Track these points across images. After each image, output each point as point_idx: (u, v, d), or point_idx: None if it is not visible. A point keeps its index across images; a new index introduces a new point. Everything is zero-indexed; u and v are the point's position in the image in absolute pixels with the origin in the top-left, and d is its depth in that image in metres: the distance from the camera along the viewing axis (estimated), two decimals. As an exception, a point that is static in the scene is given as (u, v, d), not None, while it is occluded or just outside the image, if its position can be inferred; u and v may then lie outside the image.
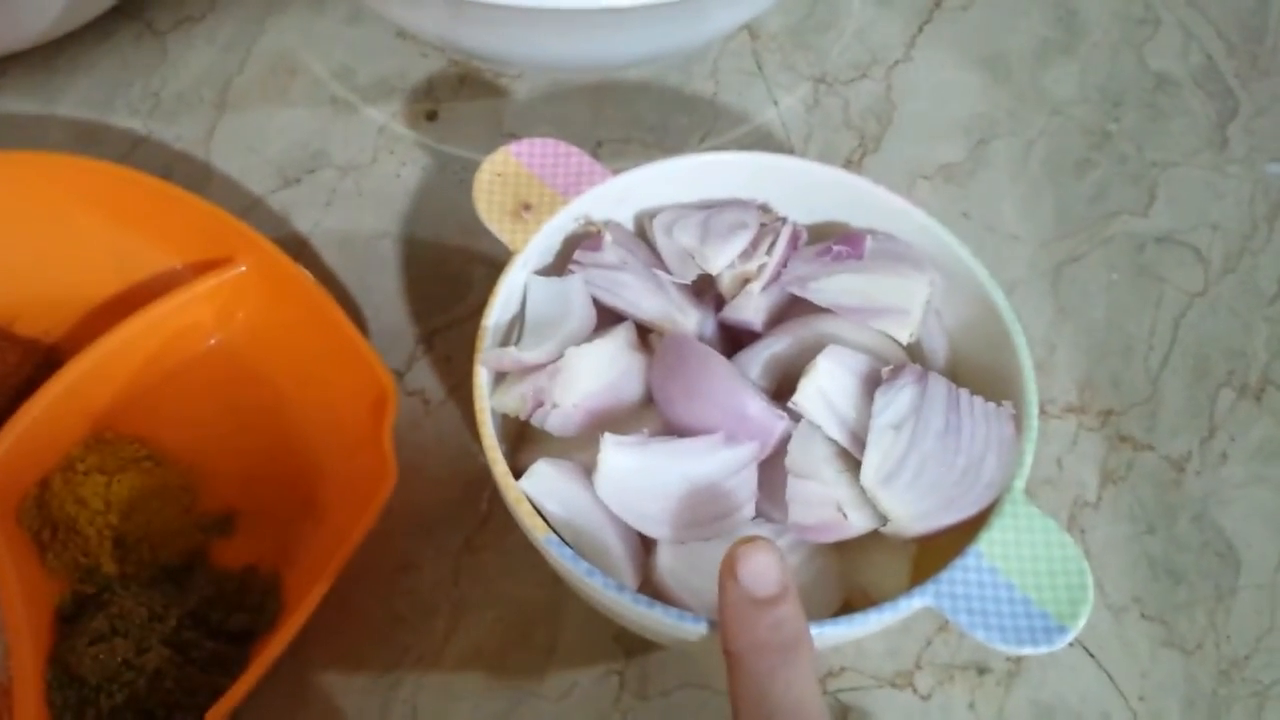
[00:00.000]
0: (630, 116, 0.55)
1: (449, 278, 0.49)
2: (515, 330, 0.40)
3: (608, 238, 0.41)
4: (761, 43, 0.58)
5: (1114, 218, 0.53)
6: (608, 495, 0.35)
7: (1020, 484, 0.35)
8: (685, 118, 0.55)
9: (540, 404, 0.37)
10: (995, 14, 0.60)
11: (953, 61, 0.58)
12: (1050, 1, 0.60)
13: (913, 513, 0.35)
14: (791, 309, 0.42)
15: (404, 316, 0.48)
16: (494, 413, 0.38)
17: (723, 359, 0.37)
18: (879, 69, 0.57)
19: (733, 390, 0.36)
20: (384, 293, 0.49)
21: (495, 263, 0.49)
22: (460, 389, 0.46)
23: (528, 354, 0.38)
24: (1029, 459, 0.36)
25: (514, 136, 0.54)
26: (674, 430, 0.37)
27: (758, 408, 0.36)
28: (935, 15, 0.59)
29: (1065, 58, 0.58)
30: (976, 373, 0.40)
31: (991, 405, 0.36)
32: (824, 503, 0.35)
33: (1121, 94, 0.57)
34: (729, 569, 0.31)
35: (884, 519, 0.35)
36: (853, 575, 0.37)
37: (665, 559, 0.35)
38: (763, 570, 0.31)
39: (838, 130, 0.55)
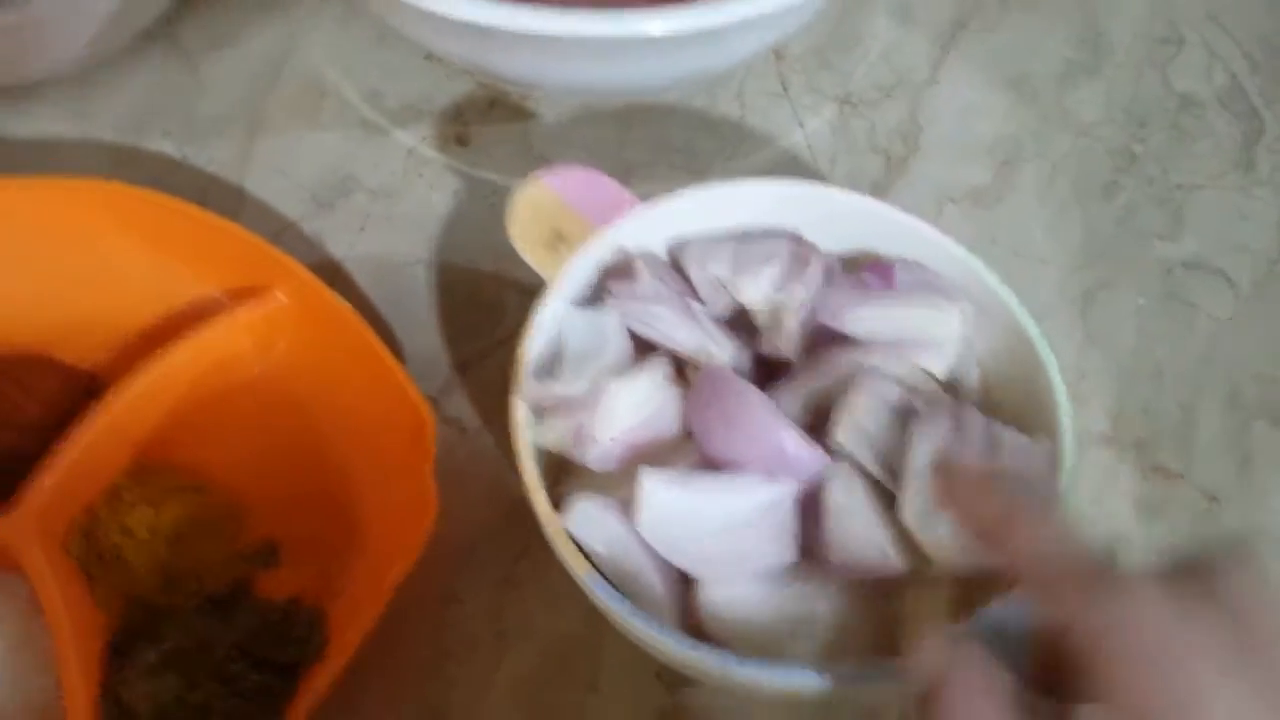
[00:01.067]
0: (658, 139, 0.55)
1: (483, 304, 0.50)
2: (551, 361, 0.40)
3: (641, 268, 0.42)
4: (787, 64, 0.58)
5: (1142, 241, 0.53)
6: (648, 529, 0.36)
7: (1059, 522, 0.35)
8: (712, 140, 0.55)
9: (580, 439, 0.38)
10: (1020, 35, 0.60)
11: (978, 82, 0.58)
12: (1075, 22, 0.61)
13: (952, 550, 0.35)
14: (824, 339, 0.42)
15: (438, 343, 0.49)
16: (534, 447, 0.38)
17: (759, 394, 0.38)
18: (904, 90, 0.58)
19: (770, 426, 0.37)
20: (418, 319, 0.49)
21: (528, 289, 0.49)
22: (496, 416, 0.47)
23: (565, 388, 0.38)
24: (1065, 496, 0.36)
25: (543, 159, 0.54)
26: (712, 465, 0.37)
27: (794, 444, 0.37)
28: (960, 36, 0.60)
29: (1090, 78, 0.58)
30: (1009, 400, 0.41)
31: (1027, 440, 0.37)
32: (866, 542, 0.36)
33: (1146, 115, 0.57)
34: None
35: (925, 558, 0.36)
36: (893, 614, 0.37)
37: (706, 598, 0.36)
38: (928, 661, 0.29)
39: (864, 153, 0.55)
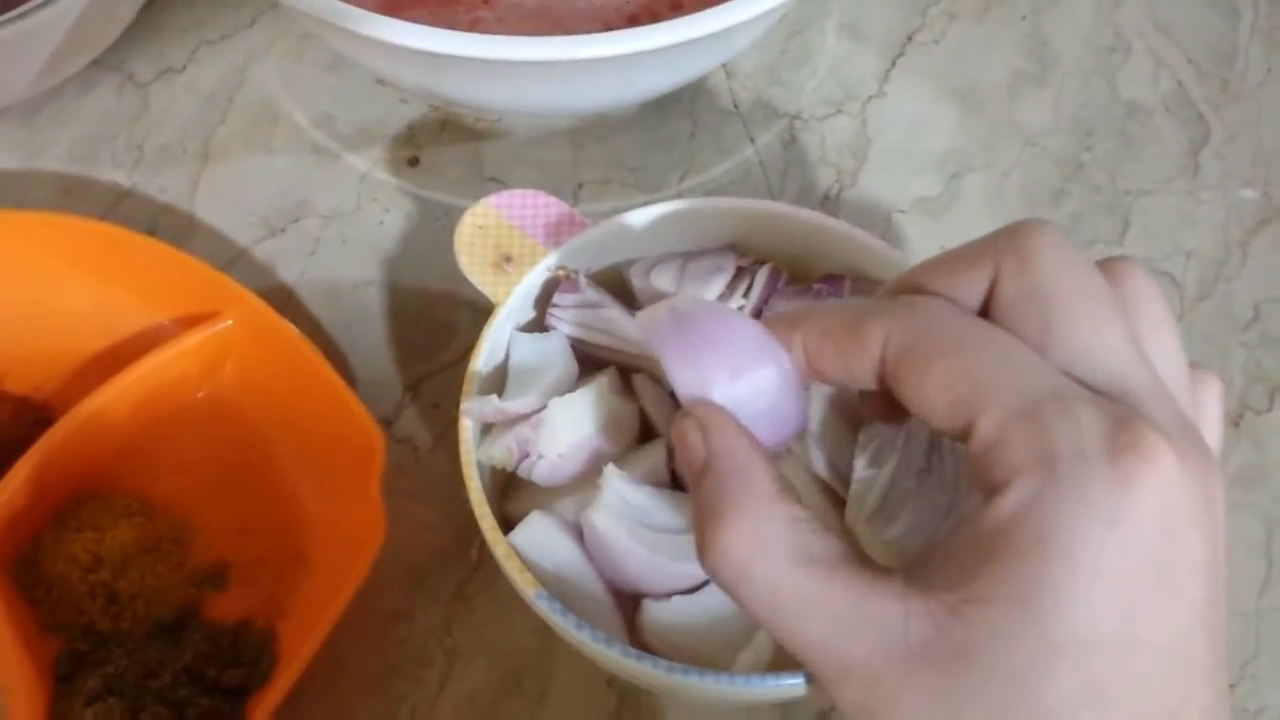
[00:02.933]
0: (610, 158, 0.55)
1: (434, 324, 0.50)
2: (499, 381, 0.40)
3: (583, 279, 0.42)
4: (737, 81, 0.58)
5: (1089, 247, 0.54)
6: (603, 526, 0.35)
7: (1001, 524, 0.36)
8: (664, 158, 0.56)
9: (526, 455, 0.38)
10: (967, 47, 0.60)
11: (926, 95, 0.59)
12: (1021, 33, 0.61)
13: (896, 552, 0.35)
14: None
15: (391, 364, 0.49)
16: (481, 464, 0.38)
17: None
18: (854, 104, 0.58)
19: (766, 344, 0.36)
20: (370, 341, 0.49)
21: (480, 308, 0.49)
22: (448, 436, 0.47)
23: (511, 405, 0.38)
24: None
25: (495, 180, 0.54)
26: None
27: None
28: (907, 49, 0.60)
29: (1037, 88, 0.59)
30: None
31: (971, 445, 0.37)
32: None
33: (1094, 123, 0.58)
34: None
35: (869, 557, 0.36)
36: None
37: (652, 612, 0.36)
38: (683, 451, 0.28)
39: (815, 166, 0.56)
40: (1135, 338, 0.27)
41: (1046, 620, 0.23)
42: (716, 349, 0.29)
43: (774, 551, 0.26)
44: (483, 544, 0.44)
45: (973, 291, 0.28)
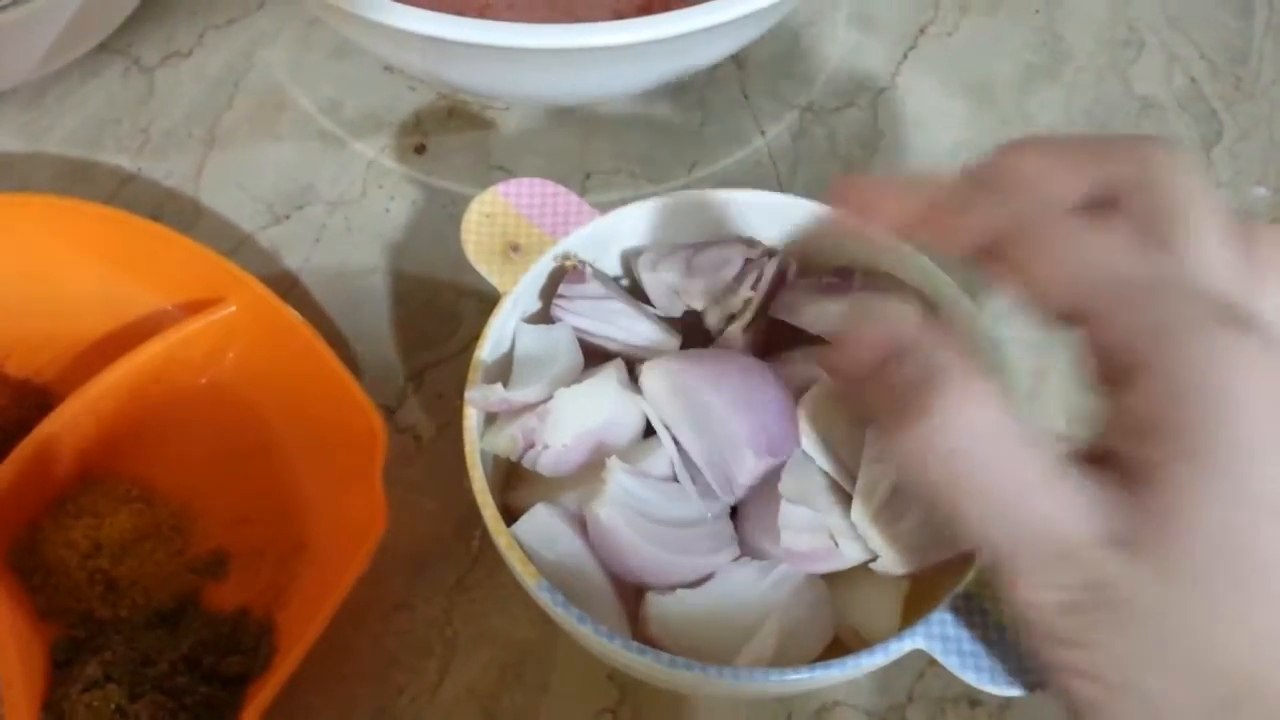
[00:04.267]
0: (618, 148, 0.55)
1: (439, 313, 0.49)
2: (504, 371, 0.40)
3: (589, 270, 0.41)
4: (747, 72, 0.58)
5: (1101, 244, 0.53)
6: (607, 518, 0.35)
7: (1009, 522, 0.35)
8: (673, 148, 0.55)
9: (531, 445, 0.37)
10: (980, 40, 0.60)
11: (938, 88, 0.58)
12: (1034, 26, 0.61)
13: (902, 549, 0.35)
14: (781, 341, 0.42)
15: (394, 353, 0.48)
16: (484, 453, 0.38)
17: (772, 371, 0.38)
18: (865, 97, 0.58)
19: (779, 400, 0.37)
20: (374, 329, 0.49)
21: (485, 297, 0.49)
22: (451, 426, 0.46)
23: (516, 394, 0.38)
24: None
25: (502, 169, 0.54)
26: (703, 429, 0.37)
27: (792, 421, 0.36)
28: (920, 42, 0.60)
29: (1050, 83, 0.59)
30: (965, 406, 0.40)
31: (980, 442, 0.37)
32: (816, 529, 0.35)
33: (1107, 119, 0.57)
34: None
35: (874, 554, 0.35)
36: (844, 612, 0.37)
37: (654, 606, 0.35)
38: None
39: (825, 159, 0.55)
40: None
41: (1244, 479, 0.24)
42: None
43: (1002, 429, 0.26)
44: (484, 535, 0.44)
45: (1075, 187, 0.28)
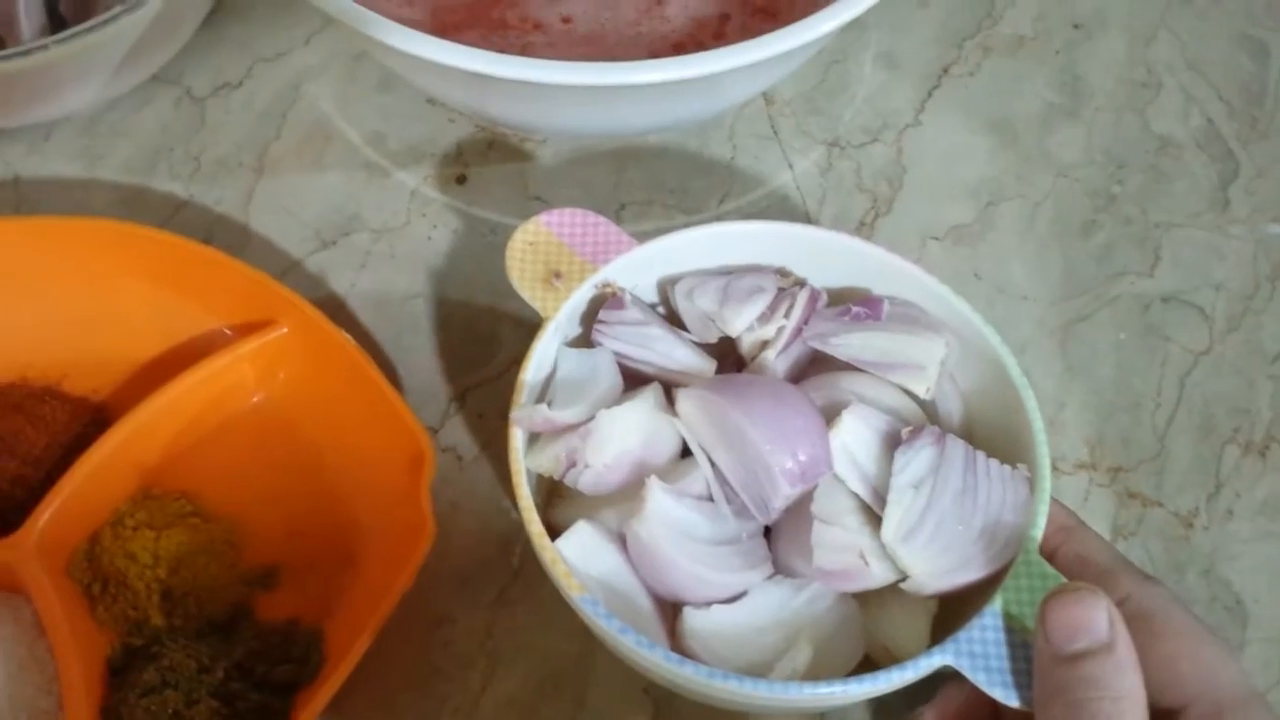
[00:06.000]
0: (651, 180, 0.57)
1: (480, 338, 0.51)
2: (546, 394, 0.42)
3: (628, 296, 0.43)
4: (776, 108, 0.60)
5: (1120, 278, 0.55)
6: (647, 535, 0.37)
7: (1034, 545, 0.37)
8: (704, 181, 0.57)
9: (573, 464, 0.39)
10: (1002, 80, 0.62)
11: (961, 126, 0.60)
12: (1055, 66, 0.63)
13: (931, 570, 0.36)
14: (811, 368, 0.44)
15: (437, 375, 0.50)
16: (527, 472, 0.39)
17: (809, 398, 0.40)
18: (890, 133, 0.59)
19: (817, 426, 0.38)
20: (418, 352, 0.51)
21: (524, 323, 0.51)
22: (492, 446, 0.48)
23: (560, 414, 0.39)
24: (1043, 521, 0.37)
25: (539, 199, 0.56)
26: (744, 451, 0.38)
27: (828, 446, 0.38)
28: (943, 81, 0.62)
29: (1070, 121, 0.60)
30: (990, 434, 0.42)
31: (1007, 468, 0.38)
32: (847, 549, 0.37)
33: (1125, 157, 0.59)
34: (1039, 624, 0.33)
35: (904, 574, 0.37)
36: (874, 630, 0.38)
37: (691, 621, 0.37)
38: (1073, 620, 0.32)
39: (851, 193, 0.57)
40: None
41: None
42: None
43: None
44: (524, 551, 0.46)
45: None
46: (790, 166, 0.58)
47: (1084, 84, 0.62)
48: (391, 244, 0.54)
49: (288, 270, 0.53)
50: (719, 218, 0.56)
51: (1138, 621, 0.33)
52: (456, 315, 0.52)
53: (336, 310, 0.51)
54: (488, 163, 0.57)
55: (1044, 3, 0.65)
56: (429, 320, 0.52)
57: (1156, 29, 0.64)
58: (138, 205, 0.54)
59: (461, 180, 0.56)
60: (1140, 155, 0.59)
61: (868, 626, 0.38)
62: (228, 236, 0.54)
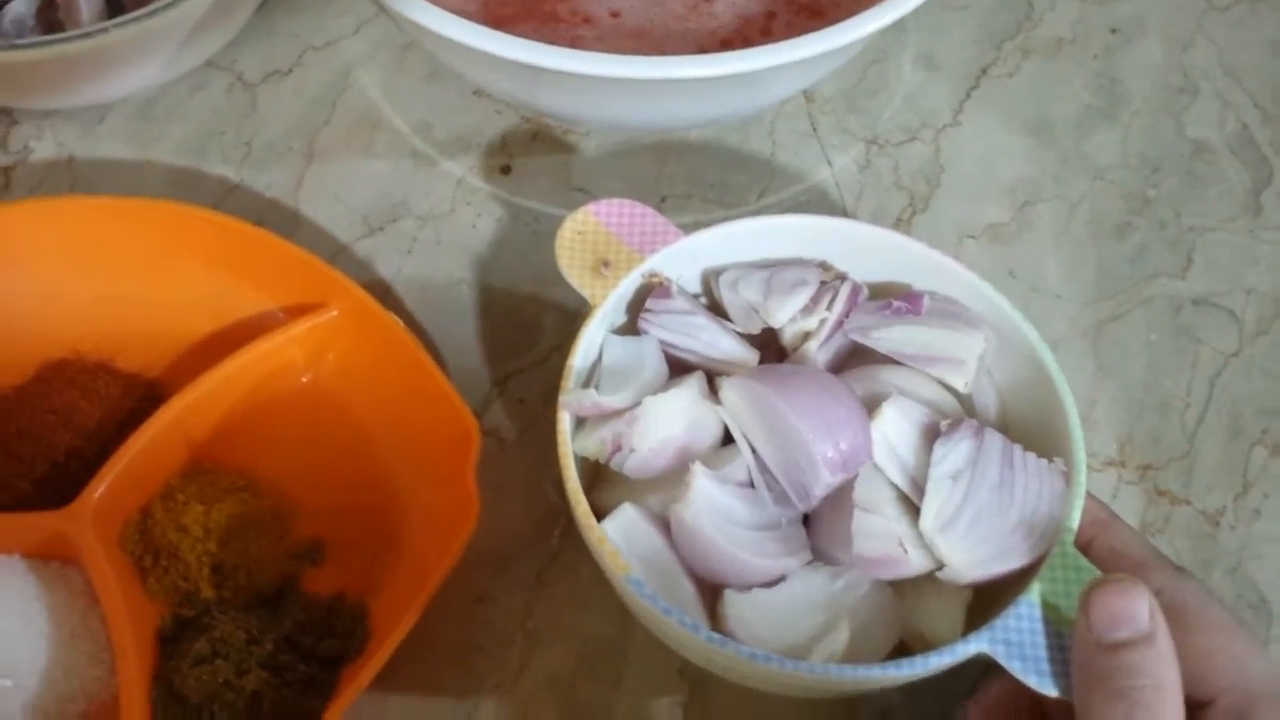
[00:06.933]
0: (692, 173, 0.58)
1: (522, 324, 0.52)
2: (593, 377, 0.43)
3: (675, 286, 0.44)
4: (816, 106, 0.61)
5: (1153, 280, 0.55)
6: (691, 518, 0.38)
7: (1070, 537, 0.38)
8: (744, 175, 0.58)
9: (619, 448, 0.40)
10: (1040, 81, 0.62)
11: (999, 126, 0.61)
12: (1092, 70, 0.63)
13: (968, 560, 0.37)
14: (852, 360, 0.44)
15: (480, 360, 0.51)
16: (574, 455, 0.40)
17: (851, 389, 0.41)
18: (928, 132, 0.60)
19: (859, 415, 0.39)
20: (461, 337, 0.52)
21: (565, 310, 0.52)
22: (532, 430, 0.49)
23: (607, 399, 0.40)
24: (1077, 514, 0.38)
25: (582, 190, 0.57)
26: (787, 438, 0.39)
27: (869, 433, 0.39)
28: (982, 81, 0.62)
29: (1107, 124, 0.61)
30: (1026, 428, 0.43)
31: (1043, 462, 0.39)
32: (886, 537, 0.38)
33: (1160, 160, 0.60)
34: (1080, 613, 0.34)
35: (941, 563, 0.38)
36: (910, 618, 0.39)
37: (732, 604, 0.38)
38: (1115, 610, 0.33)
39: (889, 190, 0.58)
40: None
41: None
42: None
43: None
44: (563, 532, 0.47)
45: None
46: (829, 163, 0.59)
47: (1121, 87, 0.63)
48: (437, 231, 0.55)
49: (336, 254, 0.54)
50: (758, 212, 0.57)
51: (1171, 614, 0.34)
52: (499, 302, 0.53)
53: (384, 295, 0.53)
54: (532, 154, 0.58)
55: (1083, 6, 0.65)
56: (472, 306, 0.53)
57: (1194, 35, 0.65)
58: (190, 187, 0.56)
59: (506, 170, 0.57)
60: (1175, 159, 0.60)
61: (903, 613, 0.39)
62: (278, 220, 0.55)
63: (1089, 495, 0.39)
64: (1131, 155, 0.60)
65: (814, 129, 0.60)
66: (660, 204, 0.57)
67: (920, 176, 0.58)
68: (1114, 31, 0.65)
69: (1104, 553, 0.39)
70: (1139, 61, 0.64)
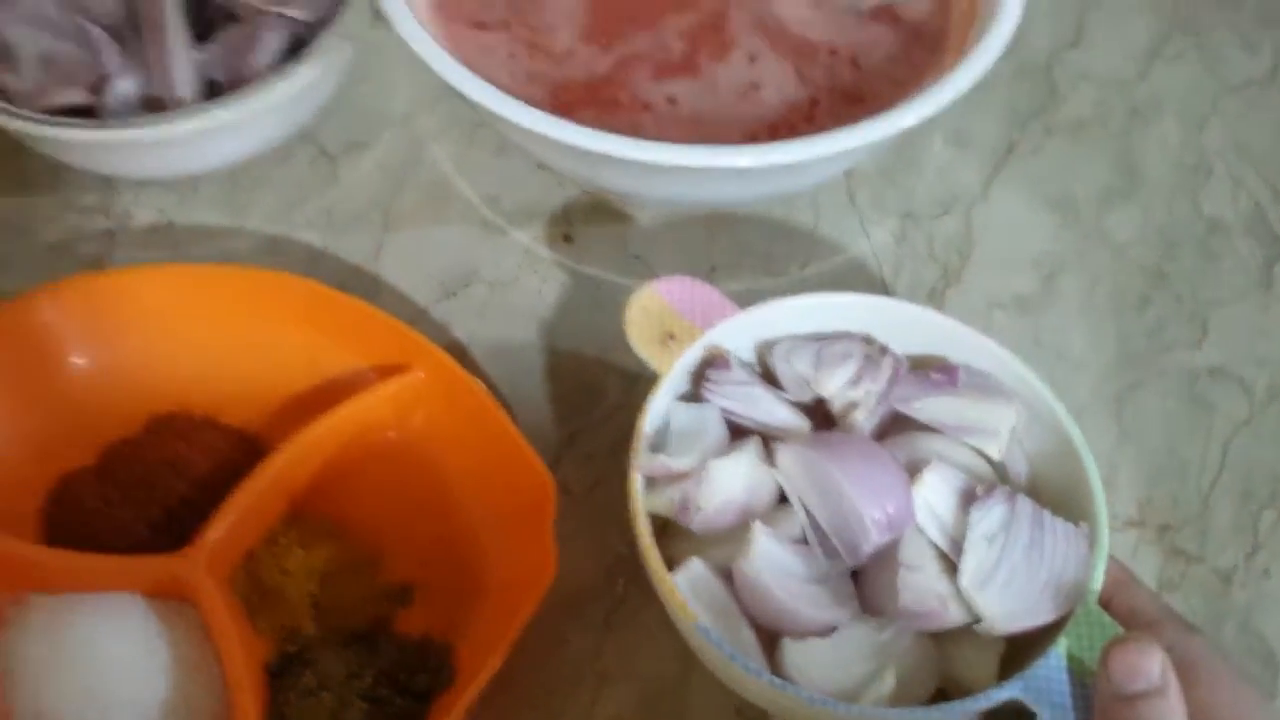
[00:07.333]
0: (740, 244, 0.62)
1: (587, 386, 0.57)
2: (660, 440, 0.47)
3: (734, 359, 0.49)
4: (855, 181, 0.65)
5: (1170, 351, 0.60)
6: (750, 571, 0.42)
7: (1093, 597, 0.42)
8: (788, 246, 0.63)
9: (686, 507, 0.44)
10: (1063, 160, 0.67)
11: (1025, 202, 0.65)
12: (1113, 150, 0.68)
13: (1002, 614, 0.41)
14: (893, 426, 0.49)
15: (549, 417, 0.56)
16: (645, 512, 0.45)
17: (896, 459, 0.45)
18: (959, 207, 0.65)
19: (902, 483, 0.44)
20: (531, 397, 0.56)
21: (626, 374, 0.57)
22: (599, 484, 0.53)
23: (676, 462, 0.45)
24: (1100, 576, 0.42)
25: (639, 258, 0.61)
26: (837, 503, 0.44)
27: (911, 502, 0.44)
28: (1009, 159, 0.67)
29: (1126, 202, 0.65)
30: (1054, 492, 0.47)
31: (1070, 526, 0.43)
32: (929, 593, 0.42)
33: (1177, 236, 0.64)
34: (1101, 667, 0.38)
35: (977, 617, 0.42)
36: (948, 666, 0.43)
37: (789, 651, 0.42)
38: (1132, 665, 0.37)
39: (923, 262, 0.62)
40: None
41: None
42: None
43: None
44: (628, 580, 0.51)
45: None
46: (867, 235, 0.63)
47: (1140, 167, 0.67)
48: (506, 297, 0.60)
49: (416, 318, 0.59)
50: (802, 281, 0.61)
51: (1182, 669, 0.38)
52: (565, 364, 0.57)
53: (460, 355, 0.57)
54: (591, 223, 0.63)
55: (1104, 89, 0.70)
56: (541, 368, 0.57)
57: (1208, 116, 0.69)
58: (279, 252, 0.60)
59: (568, 239, 0.62)
60: (1191, 236, 0.64)
61: (943, 661, 0.43)
62: (361, 284, 0.59)
63: (1110, 557, 0.44)
64: (1150, 231, 0.64)
65: (853, 202, 0.65)
66: (711, 272, 0.61)
67: (952, 249, 0.63)
68: (1133, 112, 0.69)
69: (1123, 610, 0.43)
70: (1156, 141, 0.68)
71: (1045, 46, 0.71)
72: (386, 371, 0.53)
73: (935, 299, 0.61)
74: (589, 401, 0.56)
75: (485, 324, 0.59)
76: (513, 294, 0.60)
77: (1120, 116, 0.69)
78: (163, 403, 0.54)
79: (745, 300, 0.50)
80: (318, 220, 0.62)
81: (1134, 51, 0.72)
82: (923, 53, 0.60)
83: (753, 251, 0.62)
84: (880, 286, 0.61)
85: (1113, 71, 0.71)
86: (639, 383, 0.55)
